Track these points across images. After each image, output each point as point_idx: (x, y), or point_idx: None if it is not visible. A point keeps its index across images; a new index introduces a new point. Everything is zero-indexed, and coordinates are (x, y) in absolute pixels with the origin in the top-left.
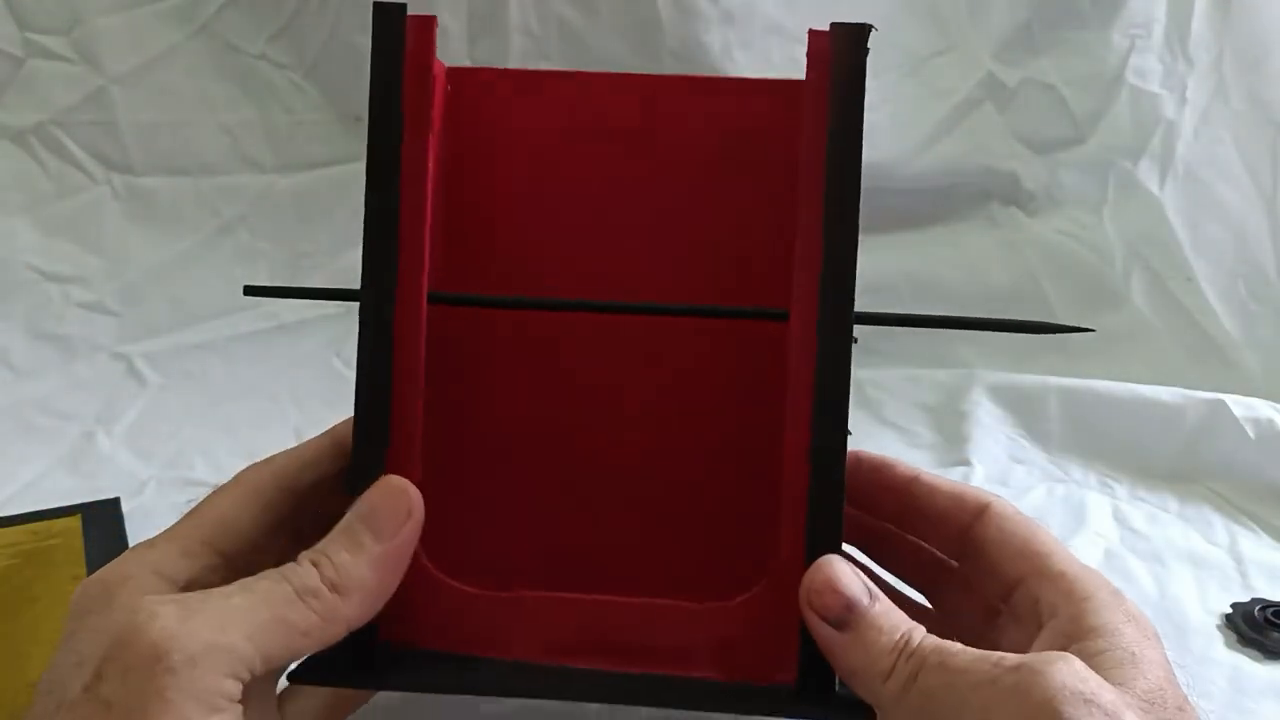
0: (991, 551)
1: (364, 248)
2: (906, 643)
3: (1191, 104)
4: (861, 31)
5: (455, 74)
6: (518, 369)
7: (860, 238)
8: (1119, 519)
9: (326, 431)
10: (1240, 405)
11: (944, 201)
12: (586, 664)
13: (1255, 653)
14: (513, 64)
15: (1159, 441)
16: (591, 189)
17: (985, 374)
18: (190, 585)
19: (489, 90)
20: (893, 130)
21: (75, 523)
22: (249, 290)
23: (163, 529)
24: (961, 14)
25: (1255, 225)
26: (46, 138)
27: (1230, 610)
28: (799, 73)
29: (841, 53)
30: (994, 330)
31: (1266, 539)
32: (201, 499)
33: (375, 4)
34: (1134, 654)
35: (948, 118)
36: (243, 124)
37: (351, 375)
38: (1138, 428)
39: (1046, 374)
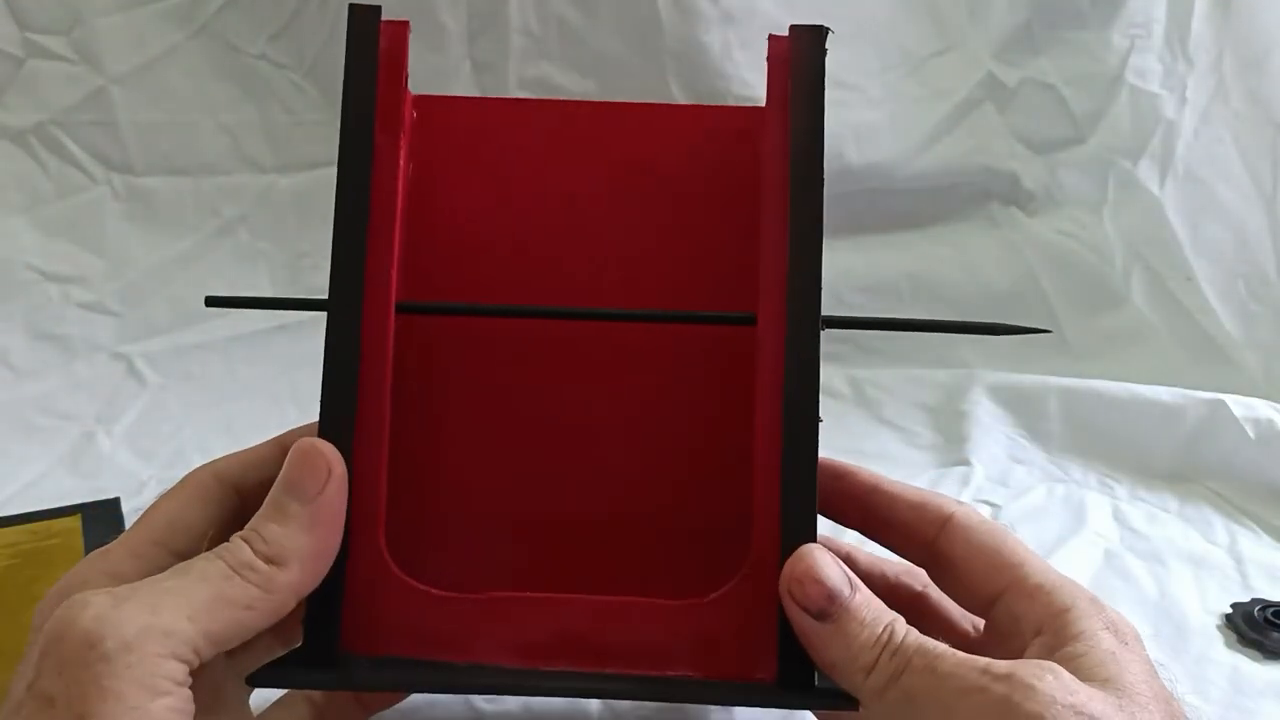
0: (960, 566)
1: (333, 254)
2: (890, 637)
3: (1191, 104)
4: (819, 33)
5: (421, 101)
6: (489, 376)
7: (860, 238)
8: (1119, 519)
9: (273, 438)
10: (1240, 405)
11: (944, 201)
12: (561, 666)
13: (1255, 653)
14: (513, 63)
15: (1159, 441)
16: (558, 207)
17: (985, 374)
18: None
19: (454, 116)
20: (893, 130)
21: (75, 523)
22: (210, 301)
23: None
24: (961, 14)
25: (1255, 225)
26: (46, 138)
27: (1230, 610)
28: None
29: (801, 54)
30: (954, 332)
31: (1266, 539)
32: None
33: (350, 5)
34: (1114, 654)
35: (948, 118)
36: (243, 124)
37: None
38: (1138, 428)
39: (1046, 374)
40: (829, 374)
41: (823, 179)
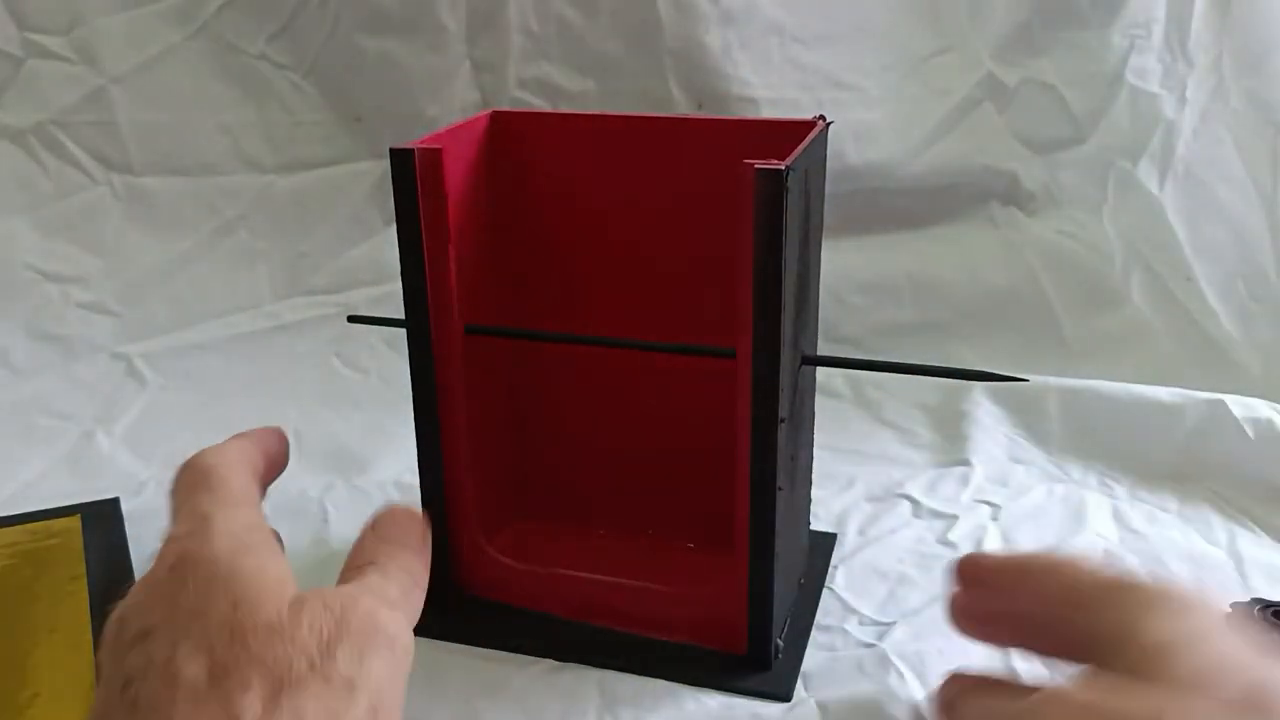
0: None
1: (405, 301)
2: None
3: (1191, 104)
4: (778, 176)
5: (500, 117)
6: (569, 377)
7: (860, 238)
8: (1119, 519)
9: (249, 436)
10: (1240, 405)
11: (944, 201)
12: (596, 622)
13: None
14: (512, 64)
15: (1159, 441)
16: (613, 223)
17: None
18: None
19: (529, 130)
20: (893, 130)
21: (75, 523)
22: (352, 319)
23: (163, 530)
24: (961, 14)
25: (1255, 225)
26: (46, 138)
27: (1230, 610)
28: (798, 73)
29: (761, 194)
30: (929, 375)
31: (1266, 539)
32: (208, 456)
33: (391, 150)
34: (1162, 646)
35: (948, 118)
36: (243, 124)
37: (349, 374)
38: (1138, 428)
39: (1046, 374)
40: (828, 374)
41: (780, 266)
